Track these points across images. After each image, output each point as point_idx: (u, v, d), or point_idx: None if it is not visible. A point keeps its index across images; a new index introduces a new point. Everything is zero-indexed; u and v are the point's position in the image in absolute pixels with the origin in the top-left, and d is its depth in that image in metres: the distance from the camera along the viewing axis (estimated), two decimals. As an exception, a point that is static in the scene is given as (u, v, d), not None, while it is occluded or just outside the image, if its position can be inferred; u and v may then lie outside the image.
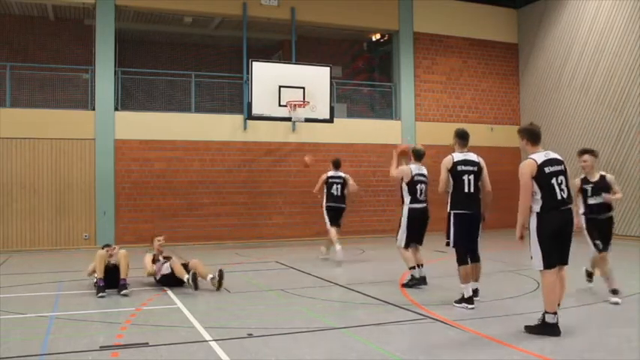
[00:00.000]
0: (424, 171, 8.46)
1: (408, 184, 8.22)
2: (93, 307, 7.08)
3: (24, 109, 14.00)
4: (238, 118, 15.48)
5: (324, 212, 11.27)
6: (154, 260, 8.30)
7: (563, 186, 5.53)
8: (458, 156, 6.97)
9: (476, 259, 7.09)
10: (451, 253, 7.11)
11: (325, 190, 11.25)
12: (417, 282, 8.18)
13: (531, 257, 5.57)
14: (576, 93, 16.66)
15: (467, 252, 6.89)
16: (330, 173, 11.27)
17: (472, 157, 7.04)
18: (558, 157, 5.68)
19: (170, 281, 8.09)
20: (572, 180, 6.08)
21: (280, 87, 13.96)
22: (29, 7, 15.30)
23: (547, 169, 5.50)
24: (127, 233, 14.21)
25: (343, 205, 11.26)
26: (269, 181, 15.71)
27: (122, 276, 7.80)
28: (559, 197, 5.49)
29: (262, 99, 13.85)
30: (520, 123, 18.71)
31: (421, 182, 8.31)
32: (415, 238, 8.30)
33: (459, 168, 6.89)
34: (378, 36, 18.24)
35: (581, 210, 7.33)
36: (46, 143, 13.99)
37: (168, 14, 15.70)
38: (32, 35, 16.11)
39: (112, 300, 7.44)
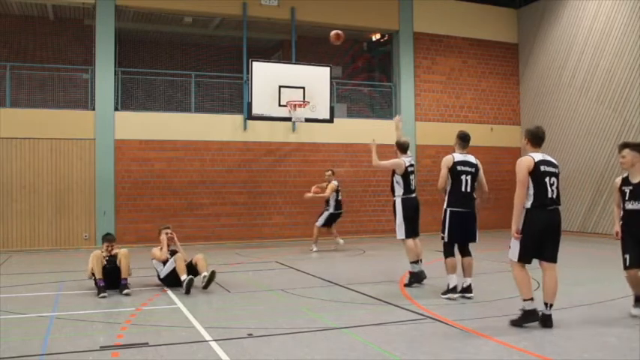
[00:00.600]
0: (413, 162, 8.53)
1: (402, 175, 8.26)
2: (93, 307, 7.08)
3: (24, 109, 14.00)
4: (238, 118, 15.48)
5: (327, 216, 13.05)
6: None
7: (554, 187, 5.87)
8: (458, 156, 7.29)
9: (467, 254, 7.41)
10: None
11: (335, 197, 13.00)
12: (416, 278, 8.24)
13: (509, 247, 5.91)
14: (576, 93, 16.66)
15: (454, 246, 7.33)
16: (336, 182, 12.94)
17: (471, 158, 7.37)
18: (554, 161, 6.07)
19: (174, 280, 8.02)
20: (562, 183, 6.39)
21: (280, 87, 13.97)
22: (29, 7, 15.29)
23: (542, 168, 5.83)
24: (127, 233, 14.21)
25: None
26: (269, 181, 15.71)
27: (123, 275, 7.81)
28: (549, 196, 5.82)
29: (262, 99, 13.85)
30: (520, 123, 18.73)
31: (413, 173, 8.39)
32: (413, 228, 8.30)
33: (459, 168, 7.21)
34: (378, 36, 18.24)
35: (620, 214, 6.30)
36: (46, 143, 13.99)
37: (168, 14, 15.70)
38: (32, 35, 16.10)
39: (112, 300, 7.45)
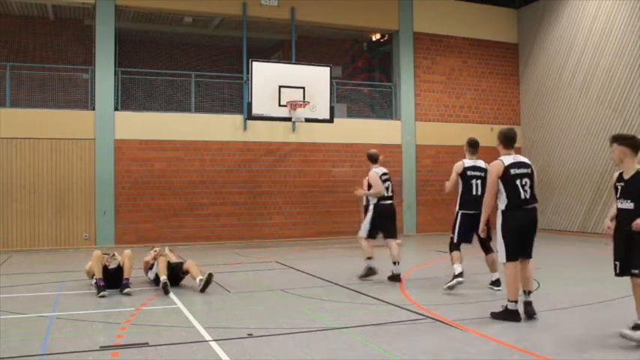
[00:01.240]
0: (385, 170, 9.14)
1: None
2: (93, 307, 7.08)
3: (24, 109, 14.01)
4: (238, 118, 15.48)
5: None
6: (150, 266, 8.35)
7: (527, 187, 6.09)
8: (468, 162, 7.81)
9: (490, 250, 7.75)
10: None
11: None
12: (370, 273, 8.73)
13: (497, 250, 6.23)
14: (576, 93, 16.66)
15: (460, 245, 7.81)
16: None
17: (480, 163, 7.85)
18: (526, 161, 6.29)
19: (169, 278, 8.05)
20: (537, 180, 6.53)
21: (280, 87, 13.97)
22: (29, 7, 15.30)
23: (512, 171, 6.08)
24: (127, 233, 14.22)
25: None
26: (269, 181, 15.72)
27: (125, 275, 7.82)
28: (522, 197, 6.06)
29: (262, 99, 13.85)
30: (520, 123, 18.74)
31: (386, 180, 8.91)
32: (376, 232, 8.86)
33: (469, 173, 7.74)
34: (378, 36, 18.24)
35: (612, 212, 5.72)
36: (46, 143, 13.99)
37: (168, 14, 15.70)
38: (32, 35, 16.10)
39: (112, 300, 7.44)
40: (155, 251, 8.53)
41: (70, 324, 6.20)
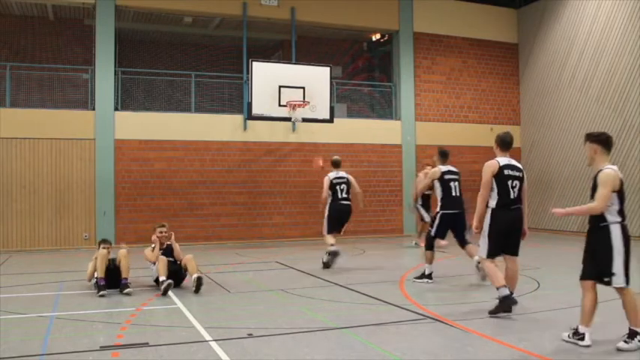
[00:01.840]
0: (341, 174, 10.47)
1: (329, 187, 10.27)
2: (93, 307, 7.08)
3: (24, 109, 14.00)
4: (238, 118, 15.48)
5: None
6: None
7: (517, 189, 6.45)
8: (443, 168, 8.66)
9: (466, 243, 8.58)
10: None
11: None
12: (331, 259, 10.00)
13: (479, 245, 6.53)
14: (576, 93, 16.67)
15: (435, 240, 8.65)
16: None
17: (454, 168, 8.77)
18: (519, 165, 6.64)
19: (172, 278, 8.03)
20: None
21: (280, 87, 13.96)
22: (29, 7, 15.29)
23: (506, 172, 6.42)
24: (127, 233, 14.20)
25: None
26: (269, 181, 15.72)
27: (124, 275, 7.81)
28: (512, 197, 6.42)
29: (262, 99, 13.85)
30: (520, 123, 18.75)
31: (339, 184, 10.34)
32: (334, 226, 10.29)
33: (446, 177, 8.59)
34: (378, 36, 18.23)
35: None
36: (46, 143, 13.99)
37: (168, 14, 15.69)
38: (32, 35, 16.09)
39: (112, 300, 7.45)
40: (161, 233, 8.37)
41: (70, 324, 6.20)
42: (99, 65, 14.39)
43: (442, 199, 8.52)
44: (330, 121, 14.71)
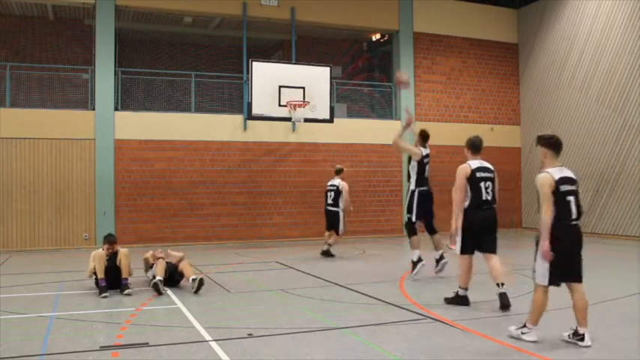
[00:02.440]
0: (334, 182, 11.98)
1: (324, 192, 12.11)
2: (93, 307, 7.08)
3: (24, 109, 14.00)
4: (238, 118, 15.48)
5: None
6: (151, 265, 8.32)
7: (489, 190, 6.79)
8: (424, 150, 9.26)
9: (434, 232, 9.01)
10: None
11: None
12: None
13: (455, 243, 6.87)
14: (576, 93, 16.67)
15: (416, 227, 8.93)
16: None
17: (428, 151, 9.36)
18: (490, 167, 6.94)
19: (167, 280, 8.04)
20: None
21: (280, 87, 13.96)
22: (29, 7, 15.29)
23: (478, 174, 6.76)
24: (127, 233, 14.20)
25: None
26: (269, 181, 15.71)
27: (124, 275, 7.82)
28: (484, 198, 6.74)
29: (262, 99, 13.85)
30: (520, 123, 18.75)
31: (329, 191, 11.94)
32: (327, 228, 12.09)
33: (425, 160, 9.20)
34: (378, 36, 18.23)
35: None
36: (46, 143, 13.99)
37: (168, 14, 15.69)
38: (32, 35, 16.10)
39: (112, 300, 7.45)
40: (155, 255, 8.42)
41: (70, 324, 6.20)
42: (99, 65, 14.38)
43: (417, 178, 8.95)
44: (330, 121, 14.71)
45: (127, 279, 7.82)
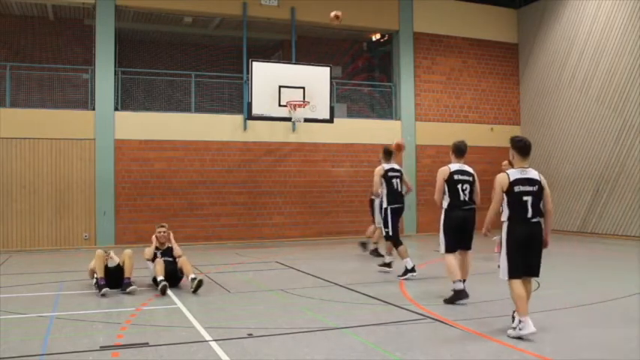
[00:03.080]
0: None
1: None
2: (93, 307, 7.08)
3: (24, 109, 14.00)
4: (238, 118, 15.48)
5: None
6: (154, 257, 8.28)
7: (467, 192, 7.16)
8: (387, 166, 9.32)
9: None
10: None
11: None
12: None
13: (439, 244, 7.19)
14: (576, 93, 16.67)
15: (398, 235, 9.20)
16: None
17: (397, 166, 9.52)
18: (470, 170, 7.28)
19: (167, 281, 8.04)
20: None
21: (280, 87, 13.95)
22: (29, 7, 15.29)
23: (456, 177, 7.14)
24: (127, 233, 14.22)
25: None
26: (269, 181, 15.72)
27: (127, 275, 7.83)
28: (461, 199, 7.13)
29: (262, 99, 13.84)
30: (520, 123, 18.74)
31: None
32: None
33: (390, 174, 9.26)
34: (378, 36, 18.23)
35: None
36: (46, 143, 13.99)
37: (168, 14, 15.69)
38: (32, 35, 16.09)
39: (112, 300, 7.45)
40: (160, 233, 8.42)
41: (70, 324, 6.20)
42: (99, 65, 14.39)
43: (387, 195, 9.11)
44: (330, 121, 14.71)
45: (129, 278, 7.83)
